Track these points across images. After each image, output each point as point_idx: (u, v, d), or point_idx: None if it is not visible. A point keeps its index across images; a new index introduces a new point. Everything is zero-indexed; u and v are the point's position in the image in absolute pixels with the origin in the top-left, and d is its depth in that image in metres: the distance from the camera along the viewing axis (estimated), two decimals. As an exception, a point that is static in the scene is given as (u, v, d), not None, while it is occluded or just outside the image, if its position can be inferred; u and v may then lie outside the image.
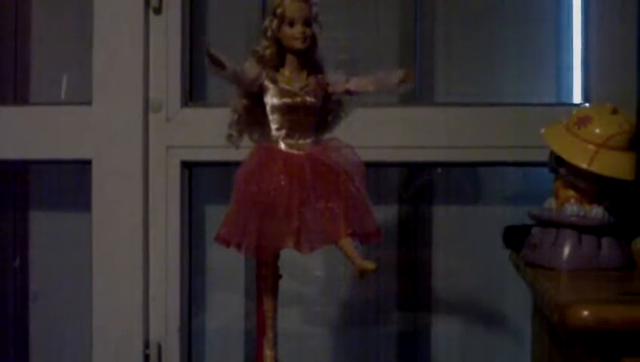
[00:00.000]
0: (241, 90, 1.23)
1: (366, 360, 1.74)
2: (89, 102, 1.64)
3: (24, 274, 1.80)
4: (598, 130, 1.14)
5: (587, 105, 1.57)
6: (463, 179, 1.72)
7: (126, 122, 1.62)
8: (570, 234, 1.15)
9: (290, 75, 1.21)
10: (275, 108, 1.21)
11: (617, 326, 0.89)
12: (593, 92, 1.61)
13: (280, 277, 1.26)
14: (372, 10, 1.73)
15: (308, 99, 1.21)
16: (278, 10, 1.19)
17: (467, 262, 1.70)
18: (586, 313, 0.89)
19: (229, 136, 1.25)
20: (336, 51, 1.67)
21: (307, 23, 1.19)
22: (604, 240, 1.15)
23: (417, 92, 1.69)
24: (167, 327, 1.64)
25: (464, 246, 1.71)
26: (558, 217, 1.17)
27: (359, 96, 1.24)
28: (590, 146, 1.14)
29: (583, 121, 1.15)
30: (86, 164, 1.64)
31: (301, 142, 1.21)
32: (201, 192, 1.72)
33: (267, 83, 1.21)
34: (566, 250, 1.14)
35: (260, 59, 1.21)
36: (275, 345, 1.26)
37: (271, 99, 1.21)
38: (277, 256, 1.24)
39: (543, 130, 1.20)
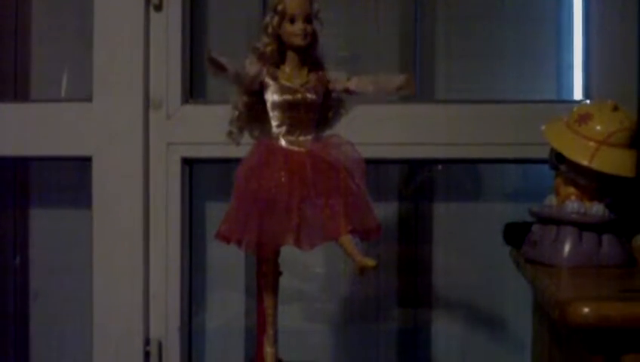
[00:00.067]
0: (242, 87, 1.23)
1: (366, 357, 1.74)
2: (89, 99, 1.64)
3: (24, 272, 1.80)
4: (598, 127, 1.14)
5: (588, 102, 1.57)
6: (463, 176, 1.72)
7: (126, 119, 1.62)
8: (571, 231, 1.15)
9: (290, 71, 1.21)
10: (276, 105, 1.21)
11: (618, 323, 0.89)
12: (594, 90, 1.61)
13: (280, 274, 1.26)
14: (372, 7, 1.73)
15: (308, 95, 1.20)
16: (279, 7, 1.19)
17: (467, 259, 1.70)
18: (586, 310, 0.89)
19: (230, 133, 1.25)
20: (336, 48, 1.67)
21: (308, 19, 1.19)
22: (605, 238, 1.15)
23: (418, 89, 1.69)
24: (167, 325, 1.64)
25: (464, 243, 1.71)
26: (559, 214, 1.17)
27: (358, 96, 1.24)
28: (591, 143, 1.14)
29: (584, 118, 1.15)
30: (86, 161, 1.64)
31: (301, 138, 1.21)
32: (201, 189, 1.72)
33: (268, 80, 1.21)
34: (566, 247, 1.14)
35: (261, 56, 1.21)
36: (275, 342, 1.26)
37: (271, 96, 1.21)
38: (277, 253, 1.24)
39: (543, 127, 1.20)
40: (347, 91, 1.23)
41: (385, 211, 1.69)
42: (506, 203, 1.69)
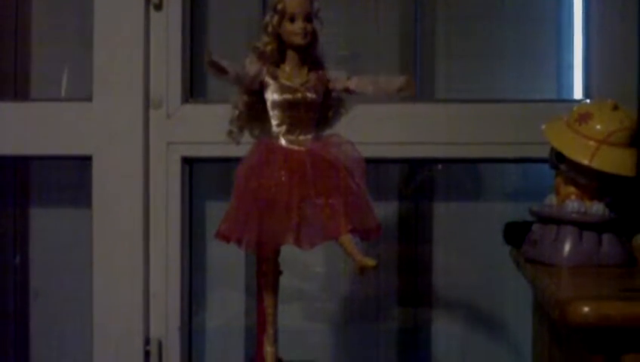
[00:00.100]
0: (242, 87, 1.23)
1: (366, 357, 1.74)
2: (89, 99, 1.64)
3: (24, 271, 1.80)
4: (599, 127, 1.14)
5: (588, 101, 1.57)
6: (463, 176, 1.72)
7: (126, 118, 1.62)
8: (571, 230, 1.15)
9: (290, 71, 1.21)
10: (276, 105, 1.21)
11: (618, 322, 0.89)
12: (594, 90, 1.61)
13: (280, 273, 1.26)
14: (372, 7, 1.73)
15: (308, 95, 1.21)
16: (279, 6, 1.19)
17: (467, 259, 1.70)
18: (586, 309, 0.89)
19: (230, 132, 1.25)
20: (336, 47, 1.67)
21: (308, 18, 1.19)
22: (605, 237, 1.15)
23: (418, 90, 1.69)
24: (167, 324, 1.64)
25: (464, 242, 1.71)
26: (559, 213, 1.17)
27: (358, 96, 1.24)
28: (591, 142, 1.14)
29: (584, 117, 1.15)
30: (86, 160, 1.64)
31: (302, 138, 1.21)
32: (201, 188, 1.72)
33: (268, 79, 1.21)
34: (567, 247, 1.14)
35: (261, 55, 1.21)
36: (275, 341, 1.26)
37: (271, 95, 1.21)
38: (277, 252, 1.24)
39: (543, 127, 1.20)
40: (347, 91, 1.23)
41: (385, 211, 1.69)
42: (506, 202, 1.69)
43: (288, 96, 1.20)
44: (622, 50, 1.57)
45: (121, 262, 1.62)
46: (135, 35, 1.62)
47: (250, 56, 1.22)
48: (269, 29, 1.20)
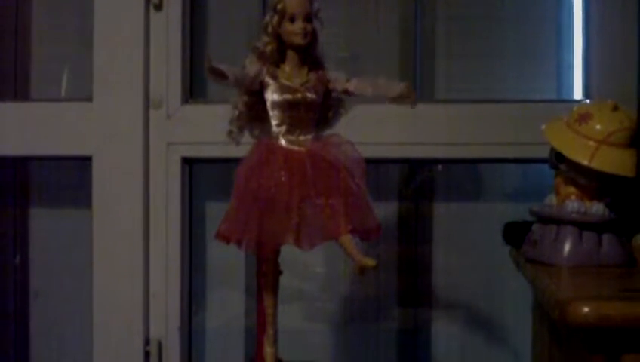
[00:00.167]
0: (242, 89, 1.22)
1: (366, 357, 1.74)
2: (90, 99, 1.64)
3: (24, 272, 1.80)
4: (598, 127, 1.14)
5: (588, 101, 1.57)
6: (463, 176, 1.72)
7: (126, 119, 1.62)
8: (571, 230, 1.15)
9: (290, 71, 1.21)
10: (276, 105, 1.21)
11: (618, 322, 0.89)
12: (594, 90, 1.61)
13: (280, 273, 1.26)
14: (373, 7, 1.73)
15: (308, 95, 1.20)
16: (279, 6, 1.19)
17: (467, 259, 1.70)
18: (586, 309, 0.89)
19: (230, 133, 1.25)
20: (336, 48, 1.67)
21: (308, 18, 1.19)
22: (605, 237, 1.15)
23: (418, 88, 1.69)
24: (167, 324, 1.64)
25: (464, 242, 1.71)
26: (559, 214, 1.17)
27: (357, 97, 1.24)
28: (591, 143, 1.14)
29: (584, 117, 1.15)
30: (86, 160, 1.64)
31: (302, 138, 1.21)
32: (201, 189, 1.72)
33: (268, 79, 1.21)
34: (566, 247, 1.14)
35: (261, 56, 1.21)
36: (275, 341, 1.26)
37: (271, 96, 1.21)
38: (277, 253, 1.24)
39: (543, 127, 1.20)
40: (346, 92, 1.23)
41: (385, 211, 1.69)
42: (505, 202, 1.68)
43: (288, 96, 1.20)
44: (622, 50, 1.57)
45: (121, 262, 1.62)
46: (135, 35, 1.62)
47: (250, 56, 1.22)
48: (269, 29, 1.20)
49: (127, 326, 1.63)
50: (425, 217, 1.72)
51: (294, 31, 1.19)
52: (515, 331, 1.66)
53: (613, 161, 1.13)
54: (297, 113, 1.20)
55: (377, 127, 1.57)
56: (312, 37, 1.20)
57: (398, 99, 1.21)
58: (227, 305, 1.75)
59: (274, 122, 1.21)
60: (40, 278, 1.80)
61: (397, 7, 1.72)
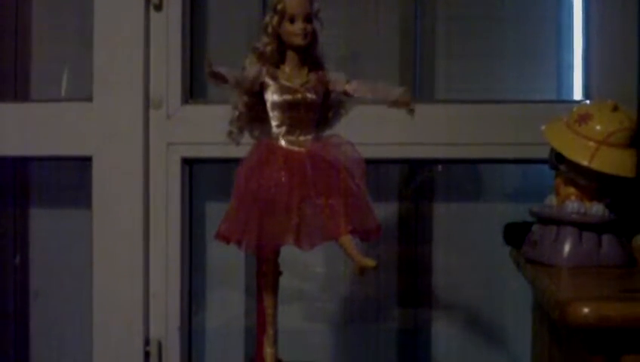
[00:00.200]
0: (242, 90, 1.22)
1: (366, 357, 1.74)
2: (90, 99, 1.64)
3: (24, 272, 1.80)
4: (598, 127, 1.14)
5: (588, 102, 1.57)
6: (463, 176, 1.72)
7: (126, 119, 1.62)
8: (571, 231, 1.15)
9: (290, 71, 1.21)
10: (276, 105, 1.21)
11: (618, 323, 0.89)
12: (594, 90, 1.61)
13: (280, 273, 1.26)
14: (373, 7, 1.73)
15: (308, 95, 1.20)
16: (279, 7, 1.18)
17: (467, 259, 1.70)
18: (586, 310, 0.89)
19: (230, 133, 1.24)
20: (336, 48, 1.67)
21: (308, 19, 1.19)
22: (605, 238, 1.15)
23: (417, 89, 1.69)
24: (167, 325, 1.64)
25: (464, 243, 1.71)
26: (559, 214, 1.17)
27: (356, 99, 1.24)
28: (591, 143, 1.14)
29: (584, 117, 1.15)
30: (86, 160, 1.64)
31: (302, 138, 1.21)
32: (201, 189, 1.72)
33: (267, 80, 1.21)
34: (566, 247, 1.14)
35: (261, 56, 1.21)
36: (275, 342, 1.26)
37: (271, 96, 1.21)
38: (277, 253, 1.24)
39: (543, 127, 1.20)
40: (345, 94, 1.23)
41: (385, 211, 1.69)
42: (506, 203, 1.68)
43: (288, 96, 1.20)
44: (622, 50, 1.57)
45: (121, 262, 1.62)
46: (135, 35, 1.62)
47: (249, 56, 1.22)
48: (269, 29, 1.20)
49: (127, 326, 1.63)
50: (425, 217, 1.72)
51: (294, 31, 1.19)
52: (515, 331, 1.67)
53: (613, 162, 1.13)
54: (297, 114, 1.20)
55: (377, 128, 1.57)
56: (312, 37, 1.20)
57: (396, 104, 1.21)
58: (227, 305, 1.75)
59: (274, 123, 1.21)
60: (40, 278, 1.80)
61: (397, 7, 1.72)
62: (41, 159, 1.75)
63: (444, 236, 1.72)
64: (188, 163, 1.67)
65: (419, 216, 1.72)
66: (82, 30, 1.70)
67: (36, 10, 1.79)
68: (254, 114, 1.24)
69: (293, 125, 1.20)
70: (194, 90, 1.68)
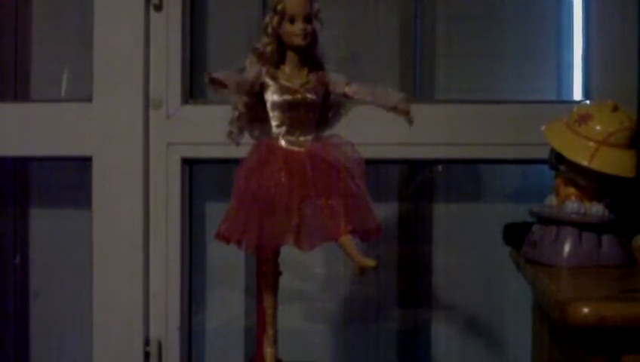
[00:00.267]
0: (243, 92, 1.22)
1: (366, 357, 1.74)
2: (89, 99, 1.64)
3: (24, 272, 1.80)
4: (598, 127, 1.14)
5: (588, 102, 1.57)
6: (463, 177, 1.72)
7: (126, 119, 1.62)
8: (571, 231, 1.15)
9: (290, 71, 1.21)
10: (276, 106, 1.21)
11: (618, 323, 0.89)
12: (594, 90, 1.61)
13: (280, 274, 1.26)
14: (372, 7, 1.73)
15: (308, 96, 1.20)
16: (279, 7, 1.18)
17: (467, 260, 1.70)
18: (586, 310, 0.89)
19: (230, 133, 1.24)
20: (336, 48, 1.67)
21: (308, 19, 1.19)
22: (605, 238, 1.15)
23: (417, 89, 1.69)
24: (167, 325, 1.64)
25: (464, 243, 1.71)
26: (559, 214, 1.17)
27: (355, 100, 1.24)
28: (591, 143, 1.14)
29: (584, 118, 1.15)
30: (86, 160, 1.64)
31: (302, 139, 1.21)
32: (201, 189, 1.72)
33: (267, 80, 1.21)
34: (566, 248, 1.14)
35: (261, 56, 1.21)
36: (275, 342, 1.26)
37: (271, 97, 1.21)
38: (277, 253, 1.24)
39: (543, 128, 1.20)
40: (345, 96, 1.23)
41: (385, 211, 1.69)
42: (505, 203, 1.68)
43: (288, 97, 1.20)
44: (622, 50, 1.57)
45: (121, 262, 1.62)
46: (135, 35, 1.62)
47: (250, 56, 1.22)
48: (269, 29, 1.20)
49: (127, 326, 1.63)
50: (425, 217, 1.72)
51: (294, 32, 1.19)
52: (515, 331, 1.67)
53: (613, 162, 1.13)
54: (297, 114, 1.20)
55: (377, 128, 1.56)
56: (312, 38, 1.20)
57: (395, 110, 1.21)
58: (227, 305, 1.75)
59: (274, 123, 1.21)
60: (40, 278, 1.80)
61: (397, 7, 1.72)
62: (41, 159, 1.75)
63: (444, 236, 1.72)
64: (188, 163, 1.67)
65: (419, 216, 1.72)
66: (82, 30, 1.70)
67: (36, 10, 1.79)
68: (254, 114, 1.24)
69: (293, 125, 1.20)
70: (194, 90, 1.68)
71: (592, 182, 1.15)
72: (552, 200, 1.20)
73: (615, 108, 1.15)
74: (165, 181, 1.63)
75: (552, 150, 1.18)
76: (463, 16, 1.72)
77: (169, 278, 1.64)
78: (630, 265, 1.16)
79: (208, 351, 1.75)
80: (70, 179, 1.77)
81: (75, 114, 1.65)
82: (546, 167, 1.21)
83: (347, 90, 1.22)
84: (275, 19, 1.19)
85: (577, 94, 1.66)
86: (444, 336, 1.72)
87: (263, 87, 1.21)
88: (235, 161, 1.22)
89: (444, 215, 1.72)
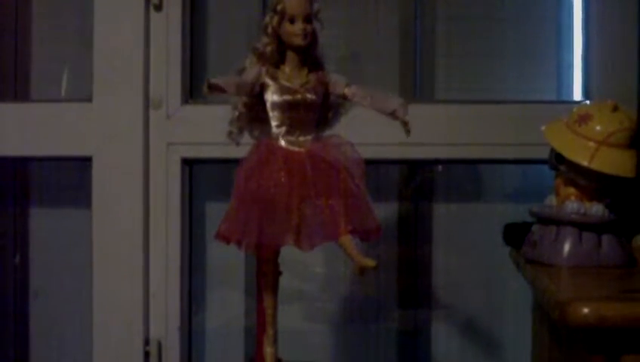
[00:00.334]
0: (243, 94, 1.22)
1: (366, 357, 1.74)
2: (89, 99, 1.64)
3: (24, 271, 1.80)
4: (598, 128, 1.14)
5: (588, 102, 1.57)
6: (463, 177, 1.72)
7: (126, 119, 1.62)
8: (571, 231, 1.15)
9: (290, 72, 1.21)
10: (276, 106, 1.21)
11: (617, 323, 0.89)
12: (594, 90, 1.61)
13: (280, 274, 1.26)
14: (372, 7, 1.73)
15: (308, 96, 1.20)
16: (279, 7, 1.18)
17: (467, 260, 1.70)
18: (586, 310, 0.89)
19: (230, 133, 1.24)
20: (336, 48, 1.67)
21: (308, 19, 1.19)
22: (605, 238, 1.15)
23: (417, 89, 1.69)
24: (167, 325, 1.64)
25: (464, 243, 1.71)
26: (559, 214, 1.17)
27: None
28: (591, 143, 1.14)
29: (584, 118, 1.15)
30: (86, 160, 1.64)
31: (301, 139, 1.21)
32: (201, 189, 1.72)
33: (267, 80, 1.21)
34: (566, 248, 1.14)
35: (260, 56, 1.21)
36: (275, 341, 1.26)
37: (271, 97, 1.21)
38: (277, 253, 1.24)
39: (543, 128, 1.20)
40: (344, 97, 1.24)
41: (385, 211, 1.69)
42: (505, 203, 1.68)
43: (288, 97, 1.20)
44: (622, 50, 1.57)
45: (121, 262, 1.62)
46: (135, 35, 1.62)
47: (249, 57, 1.22)
48: (269, 29, 1.20)
49: (127, 326, 1.63)
50: (425, 218, 1.72)
51: (294, 32, 1.19)
52: (515, 331, 1.67)
53: (613, 162, 1.13)
54: (297, 114, 1.20)
55: (377, 128, 1.55)
56: (312, 38, 1.20)
57: (393, 116, 1.21)
58: (227, 305, 1.75)
59: (274, 123, 1.21)
60: (40, 278, 1.80)
61: (397, 7, 1.72)
62: (41, 159, 1.75)
63: (444, 236, 1.72)
64: (188, 163, 1.67)
65: (419, 216, 1.72)
66: (82, 30, 1.70)
67: (36, 10, 1.79)
68: (254, 114, 1.24)
69: (293, 125, 1.21)
70: (194, 90, 1.68)
71: (592, 182, 1.15)
72: (552, 200, 1.20)
73: (615, 109, 1.15)
74: (165, 181, 1.63)
75: (552, 150, 1.18)
76: (463, 16, 1.72)
77: (169, 278, 1.64)
78: (630, 265, 1.16)
79: (208, 351, 1.75)
80: (70, 179, 1.77)
81: (75, 114, 1.65)
82: (546, 167, 1.21)
83: (346, 91, 1.22)
84: (275, 19, 1.19)
85: (577, 94, 1.66)
86: (444, 336, 1.72)
87: (262, 88, 1.21)
88: (235, 161, 1.22)
89: (444, 215, 1.72)
